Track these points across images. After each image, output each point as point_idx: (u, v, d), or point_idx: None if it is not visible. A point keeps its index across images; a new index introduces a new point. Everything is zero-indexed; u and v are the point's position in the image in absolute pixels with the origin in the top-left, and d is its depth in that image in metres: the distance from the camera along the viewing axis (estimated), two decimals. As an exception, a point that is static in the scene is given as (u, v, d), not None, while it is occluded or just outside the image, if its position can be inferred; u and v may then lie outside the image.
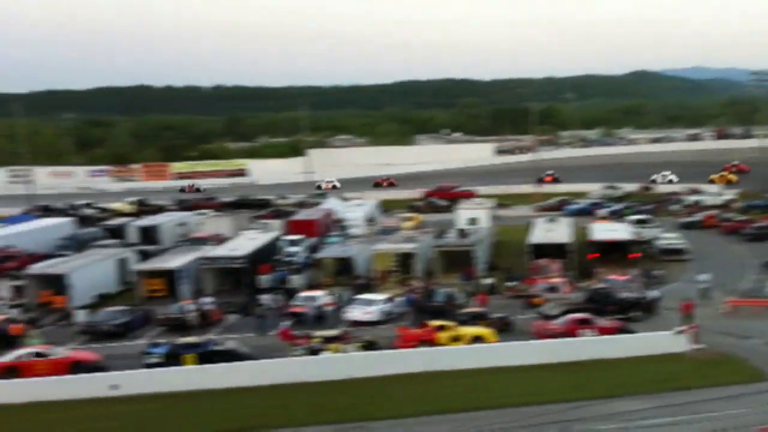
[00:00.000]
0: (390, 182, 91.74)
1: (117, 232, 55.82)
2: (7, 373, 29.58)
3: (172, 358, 30.26)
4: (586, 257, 44.56)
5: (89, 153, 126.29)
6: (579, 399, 24.99)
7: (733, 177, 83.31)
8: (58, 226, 58.27)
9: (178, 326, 35.88)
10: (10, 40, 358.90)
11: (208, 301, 38.22)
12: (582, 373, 28.09)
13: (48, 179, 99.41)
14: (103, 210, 74.16)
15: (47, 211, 71.43)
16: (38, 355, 30.39)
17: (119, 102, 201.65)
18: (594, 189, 75.82)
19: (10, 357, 30.52)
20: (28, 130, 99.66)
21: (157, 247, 51.66)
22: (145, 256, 47.58)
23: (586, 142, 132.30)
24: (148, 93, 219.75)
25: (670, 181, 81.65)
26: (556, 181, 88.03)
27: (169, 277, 42.09)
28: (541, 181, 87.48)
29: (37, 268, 42.85)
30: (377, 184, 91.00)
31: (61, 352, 31.06)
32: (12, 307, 38.99)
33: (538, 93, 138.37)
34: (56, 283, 40.49)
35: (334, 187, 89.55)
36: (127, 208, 74.23)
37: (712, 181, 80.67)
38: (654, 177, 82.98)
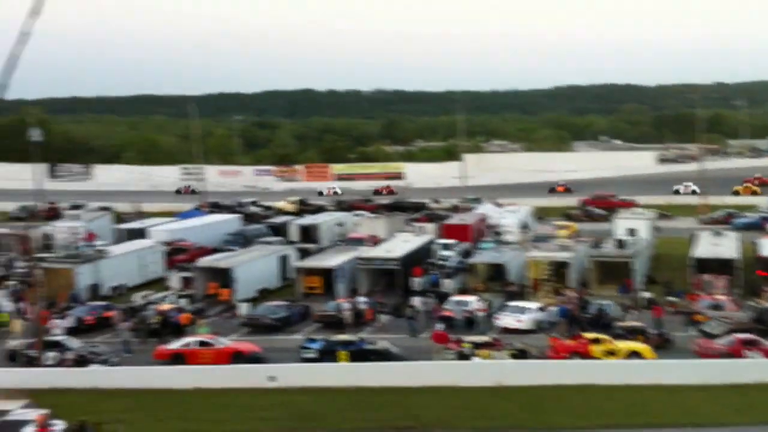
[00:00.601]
0: (565, 188, 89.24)
1: (279, 230, 57.78)
2: (174, 359, 31.27)
3: (327, 354, 31.02)
4: (754, 274, 42.04)
5: (256, 153, 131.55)
6: (742, 423, 23.61)
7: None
8: (226, 222, 61.00)
9: (334, 323, 36.70)
10: (187, 46, 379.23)
11: (362, 301, 38.83)
12: (746, 396, 26.51)
13: (218, 177, 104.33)
14: (267, 208, 76.91)
15: (216, 208, 74.90)
16: (203, 344, 31.90)
17: (285, 105, 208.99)
18: (765, 202, 71.44)
19: (177, 344, 32.24)
20: (201, 131, 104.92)
21: (316, 246, 53.14)
22: (305, 254, 49.00)
23: (757, 152, 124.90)
24: (312, 96, 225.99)
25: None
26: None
27: (327, 275, 43.10)
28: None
29: (205, 261, 45.05)
30: (552, 190, 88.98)
31: (225, 342, 32.47)
32: (181, 297, 41.11)
33: (706, 99, 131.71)
34: (222, 277, 42.37)
35: (335, 193, 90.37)
36: (289, 207, 76.64)
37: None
38: None
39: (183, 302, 39.94)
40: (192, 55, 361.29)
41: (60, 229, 54.64)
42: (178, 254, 50.17)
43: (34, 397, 27.58)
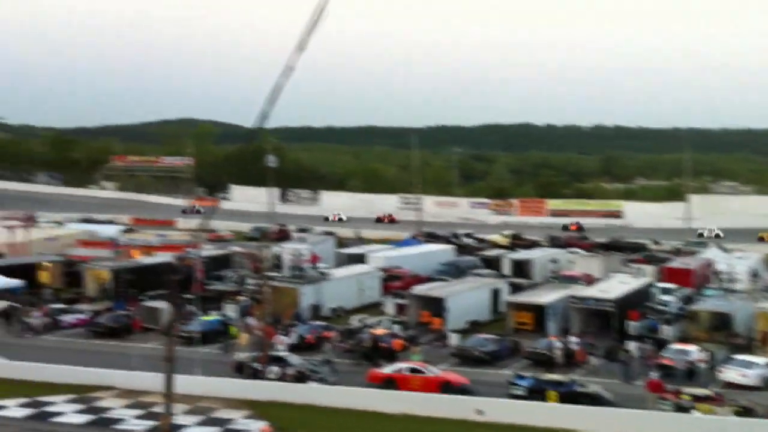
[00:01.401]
0: None
1: (492, 263, 57.54)
2: (386, 383, 31.86)
3: (536, 393, 30.31)
4: None
5: (472, 185, 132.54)
6: None
7: None
8: (440, 252, 61.73)
9: (543, 362, 35.80)
10: (413, 81, 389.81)
11: (574, 341, 37.66)
12: None
13: (434, 208, 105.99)
14: (481, 240, 76.97)
15: (432, 238, 76.02)
16: (414, 371, 32.25)
17: (502, 138, 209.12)
18: None
19: (390, 369, 32.84)
20: (420, 162, 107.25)
21: (528, 281, 52.38)
22: (517, 288, 48.43)
23: None
24: (530, 131, 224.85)
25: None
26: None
27: (538, 312, 42.28)
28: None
29: (419, 289, 45.74)
30: None
31: (435, 371, 32.64)
32: (395, 323, 41.92)
33: None
34: (435, 306, 42.76)
35: (340, 219, 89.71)
36: (503, 241, 76.23)
37: None
38: None
39: (396, 328, 40.67)
40: (415, 90, 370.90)
41: (288, 251, 57.64)
42: (393, 281, 51.34)
43: (256, 408, 29.19)
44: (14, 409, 29.03)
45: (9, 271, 49.40)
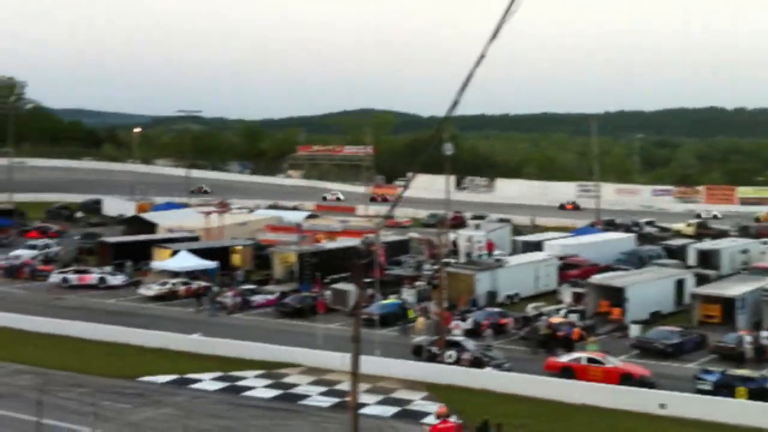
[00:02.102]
0: None
1: (676, 253, 55.03)
2: (563, 372, 31.26)
3: (724, 388, 28.70)
4: None
5: (653, 172, 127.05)
6: None
7: None
8: (620, 240, 59.72)
9: (732, 356, 33.85)
10: (597, 64, 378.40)
11: (765, 335, 35.31)
12: None
13: (613, 195, 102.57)
14: (664, 229, 73.73)
15: (611, 226, 73.66)
16: (592, 361, 31.43)
17: (687, 123, 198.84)
18: None
19: (567, 358, 32.20)
20: (599, 148, 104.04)
21: (715, 273, 49.66)
22: (703, 280, 46.01)
23: None
24: (717, 115, 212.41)
25: None
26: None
27: (726, 304, 39.98)
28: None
29: (597, 278, 44.46)
30: None
31: (614, 361, 31.66)
32: (571, 312, 41.01)
33: None
34: (614, 295, 41.43)
35: (338, 198, 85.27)
36: (688, 230, 72.65)
37: None
38: None
39: (573, 317, 39.78)
40: (593, 76, 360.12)
41: (464, 238, 57.75)
42: (570, 269, 50.22)
43: (433, 390, 29.53)
44: (209, 382, 30.92)
45: (205, 253, 52.61)
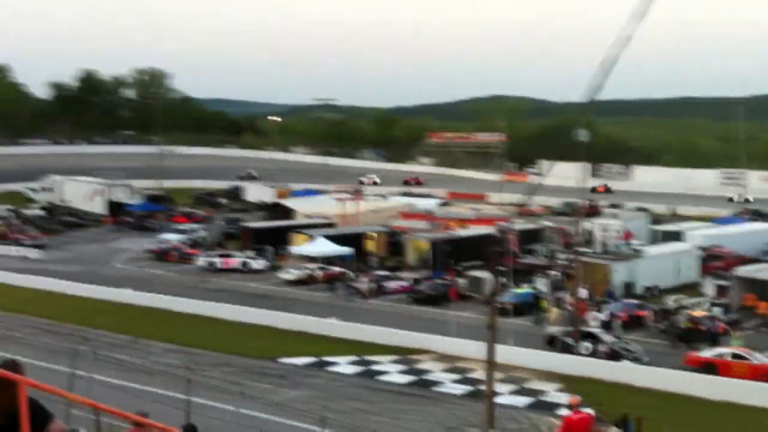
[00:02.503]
0: None
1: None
2: (705, 367, 30.05)
3: None
4: None
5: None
6: None
7: None
8: (767, 231, 56.66)
9: None
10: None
11: None
12: None
13: (761, 184, 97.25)
14: (815, 219, 69.32)
15: (758, 216, 69.98)
16: (737, 356, 30.08)
17: None
18: None
19: (709, 353, 30.93)
20: (745, 134, 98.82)
21: None
22: None
23: None
24: None
25: None
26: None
27: None
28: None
29: (744, 270, 42.40)
30: None
31: (762, 358, 30.18)
32: (714, 305, 39.32)
33: None
34: (762, 289, 39.45)
35: (374, 183, 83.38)
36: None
37: None
38: None
39: (716, 311, 38.13)
40: (737, 57, 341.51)
41: (599, 227, 56.35)
42: (713, 261, 48.12)
43: (567, 382, 29.09)
44: (345, 365, 31.68)
45: (340, 239, 53.75)
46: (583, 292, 38.22)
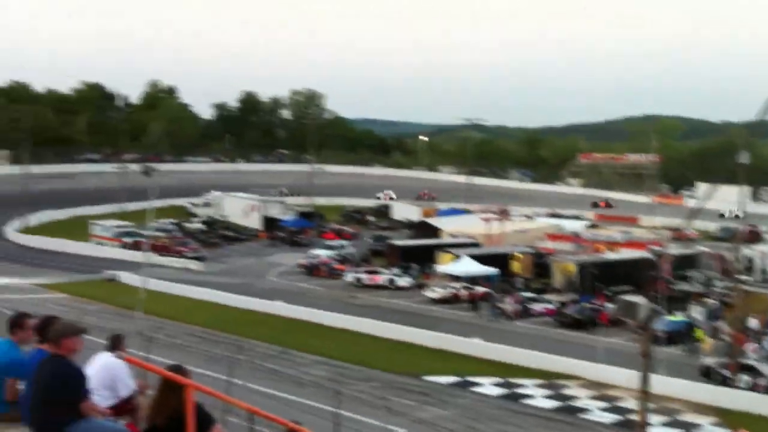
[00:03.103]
0: None
1: None
2: None
3: None
4: None
5: None
6: None
7: None
8: None
9: None
10: None
11: None
12: None
13: None
14: None
15: None
16: None
17: None
18: None
19: None
20: None
21: None
22: None
23: None
24: None
25: None
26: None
27: None
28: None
29: None
30: None
31: None
32: None
33: None
34: None
35: (391, 198, 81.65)
36: None
37: None
38: None
39: None
40: None
41: (760, 254, 53.16)
42: None
43: (723, 416, 27.51)
44: (489, 386, 31.33)
45: (485, 259, 53.31)
46: (753, 323, 36.21)
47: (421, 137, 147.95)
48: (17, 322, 6.83)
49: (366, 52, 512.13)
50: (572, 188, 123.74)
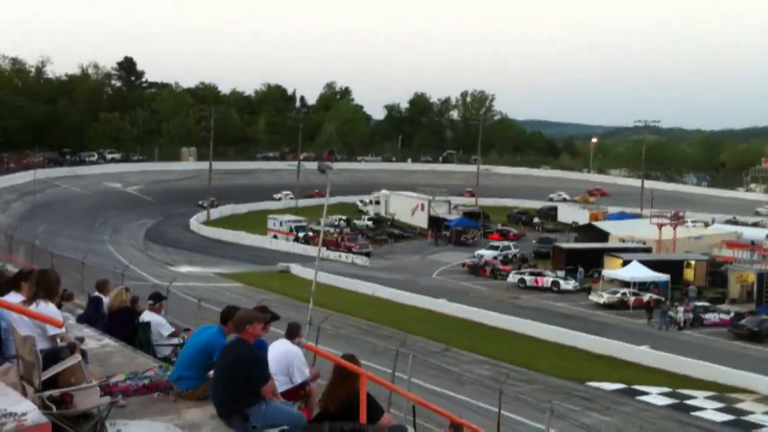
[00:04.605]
0: None
1: None
2: None
3: None
4: None
5: None
6: None
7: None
8: None
9: None
10: None
11: None
12: None
13: None
14: None
15: None
16: None
17: None
18: None
19: None
20: None
21: None
22: None
23: None
24: None
25: None
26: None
27: None
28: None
29: None
30: None
31: None
32: None
33: None
34: None
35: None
36: None
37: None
38: None
39: None
40: None
41: None
42: None
43: None
44: (656, 396, 30.10)
45: (656, 265, 51.24)
46: None
47: (591, 140, 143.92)
48: (228, 315, 7.41)
49: (535, 54, 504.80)
50: (754, 194, 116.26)
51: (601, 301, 47.35)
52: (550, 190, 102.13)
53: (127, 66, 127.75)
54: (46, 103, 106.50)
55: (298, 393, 7.84)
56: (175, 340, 10.49)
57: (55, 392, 5.74)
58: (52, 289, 6.97)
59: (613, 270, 51.53)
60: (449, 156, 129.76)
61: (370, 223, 78.49)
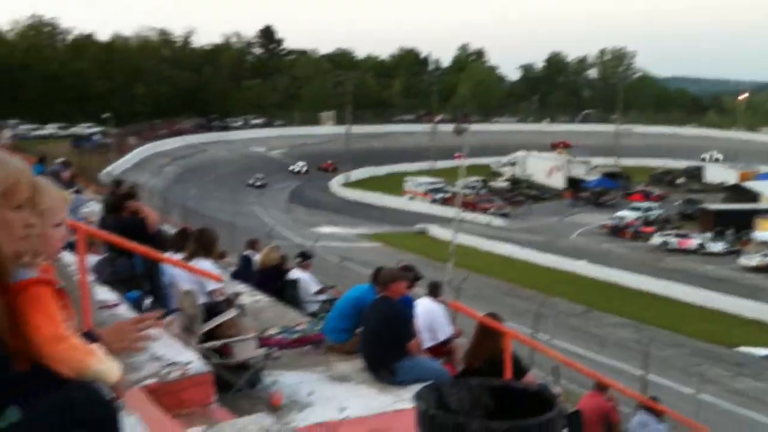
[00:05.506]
0: None
1: None
2: None
3: None
4: None
5: None
6: None
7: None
8: None
9: None
10: None
11: None
12: None
13: None
14: None
15: None
16: None
17: None
18: None
19: None
20: None
21: None
22: None
23: None
24: None
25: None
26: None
27: None
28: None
29: None
30: None
31: None
32: None
33: None
34: None
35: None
36: None
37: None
38: None
39: None
40: None
41: None
42: None
43: None
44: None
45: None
46: None
47: (741, 96, 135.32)
48: (377, 275, 7.53)
49: (677, 7, 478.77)
50: None
51: (751, 263, 44.90)
52: (696, 150, 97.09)
53: (267, 34, 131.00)
54: (193, 72, 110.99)
55: (441, 350, 7.87)
56: (322, 297, 10.74)
57: (216, 343, 6.01)
58: (210, 247, 7.24)
59: (765, 232, 48.67)
60: (587, 116, 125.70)
61: (506, 184, 77.49)
